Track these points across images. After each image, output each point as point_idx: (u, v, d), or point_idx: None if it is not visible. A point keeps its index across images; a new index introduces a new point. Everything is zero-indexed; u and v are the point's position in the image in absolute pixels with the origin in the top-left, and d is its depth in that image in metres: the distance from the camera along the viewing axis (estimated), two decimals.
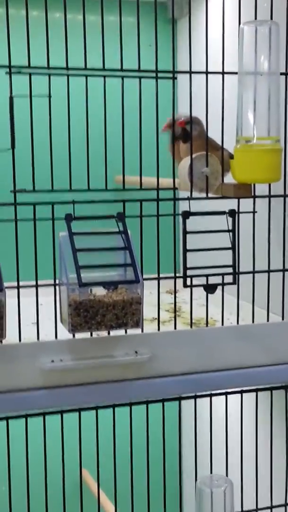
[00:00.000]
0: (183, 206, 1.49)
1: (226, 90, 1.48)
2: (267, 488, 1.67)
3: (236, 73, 1.45)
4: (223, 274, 1.48)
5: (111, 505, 1.81)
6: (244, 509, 1.67)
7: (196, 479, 1.59)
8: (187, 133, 1.56)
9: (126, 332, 1.42)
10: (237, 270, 1.49)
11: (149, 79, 1.42)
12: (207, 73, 1.47)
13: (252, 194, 1.50)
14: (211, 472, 1.62)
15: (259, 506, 1.68)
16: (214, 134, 1.51)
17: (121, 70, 1.40)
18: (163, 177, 1.47)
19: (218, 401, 1.61)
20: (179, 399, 1.58)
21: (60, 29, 1.36)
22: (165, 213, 1.46)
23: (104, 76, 1.40)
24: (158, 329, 1.49)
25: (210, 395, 1.58)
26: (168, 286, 1.67)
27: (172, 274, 1.49)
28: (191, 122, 1.52)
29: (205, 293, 1.49)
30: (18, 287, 1.37)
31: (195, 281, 1.47)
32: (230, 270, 1.49)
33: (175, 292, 1.51)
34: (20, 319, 1.38)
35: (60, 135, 1.38)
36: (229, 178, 1.51)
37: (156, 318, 1.51)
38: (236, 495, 1.60)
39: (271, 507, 1.68)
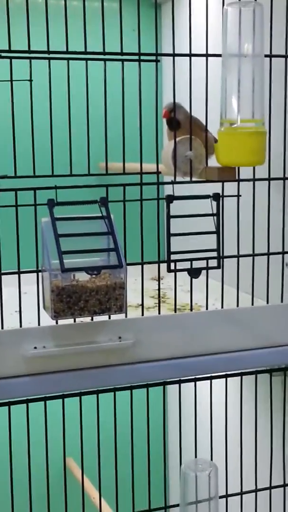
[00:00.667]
0: (167, 190, 1.48)
1: (210, 72, 1.46)
2: (251, 471, 1.67)
3: (220, 55, 1.43)
4: (207, 258, 1.47)
5: (95, 491, 1.81)
6: (228, 492, 1.67)
7: (181, 464, 1.59)
8: (172, 120, 1.54)
9: (109, 317, 1.41)
10: (221, 254, 1.48)
11: (133, 63, 1.40)
12: (190, 55, 1.45)
13: (237, 177, 1.49)
14: (195, 456, 1.62)
15: (243, 490, 1.68)
16: (198, 117, 1.50)
17: (104, 53, 1.38)
18: (147, 163, 1.45)
19: (203, 385, 1.60)
20: (164, 384, 1.57)
21: (42, 15, 1.33)
22: (149, 198, 1.45)
23: (86, 60, 1.38)
24: (142, 314, 1.48)
25: (195, 380, 1.58)
26: (152, 273, 1.66)
27: (156, 259, 1.47)
28: (174, 108, 1.50)
29: (189, 279, 1.47)
30: (0, 274, 1.36)
31: (179, 265, 1.46)
32: (214, 254, 1.48)
33: (159, 277, 1.50)
34: (3, 308, 1.37)
35: (42, 120, 1.36)
36: (213, 162, 1.50)
37: (140, 305, 1.50)
38: (221, 479, 1.60)
39: (256, 491, 1.69)
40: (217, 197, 1.47)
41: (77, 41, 1.36)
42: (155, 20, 1.41)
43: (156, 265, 1.48)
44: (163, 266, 1.47)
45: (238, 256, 1.53)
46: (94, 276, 1.34)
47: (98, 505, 1.64)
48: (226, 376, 1.61)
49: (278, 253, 1.57)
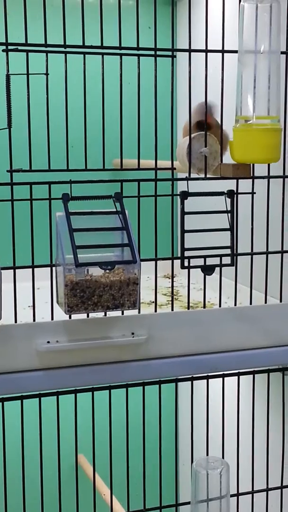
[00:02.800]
0: (181, 187, 1.47)
1: (225, 69, 1.46)
2: (263, 470, 1.67)
3: (236, 51, 1.43)
4: (221, 256, 1.47)
5: (106, 488, 1.80)
6: (240, 491, 1.67)
7: (192, 461, 1.59)
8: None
9: (122, 313, 1.41)
10: (235, 252, 1.48)
11: (148, 61, 1.39)
12: (206, 51, 1.44)
13: (251, 174, 1.49)
14: (207, 454, 1.62)
15: (254, 489, 1.67)
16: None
17: (120, 48, 1.38)
18: (162, 160, 1.45)
19: (215, 383, 1.60)
20: (176, 381, 1.57)
21: (59, 10, 1.33)
22: (163, 194, 1.45)
23: (102, 54, 1.38)
24: (155, 311, 1.48)
25: (207, 377, 1.57)
26: (165, 270, 1.66)
27: (169, 256, 1.47)
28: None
29: (202, 277, 1.47)
30: (14, 268, 1.36)
31: (193, 262, 1.46)
32: (228, 251, 1.47)
33: (172, 273, 1.50)
34: (16, 302, 1.37)
35: (58, 114, 1.36)
36: (228, 158, 1.50)
37: (153, 302, 1.49)
38: (232, 478, 1.60)
39: (267, 490, 1.68)
40: (231, 194, 1.47)
41: (92, 38, 1.36)
42: (171, 17, 1.41)
43: (168, 262, 1.48)
44: (176, 263, 1.47)
45: (251, 254, 1.52)
46: (108, 271, 1.34)
47: (108, 502, 1.64)
48: (238, 374, 1.61)
49: None
